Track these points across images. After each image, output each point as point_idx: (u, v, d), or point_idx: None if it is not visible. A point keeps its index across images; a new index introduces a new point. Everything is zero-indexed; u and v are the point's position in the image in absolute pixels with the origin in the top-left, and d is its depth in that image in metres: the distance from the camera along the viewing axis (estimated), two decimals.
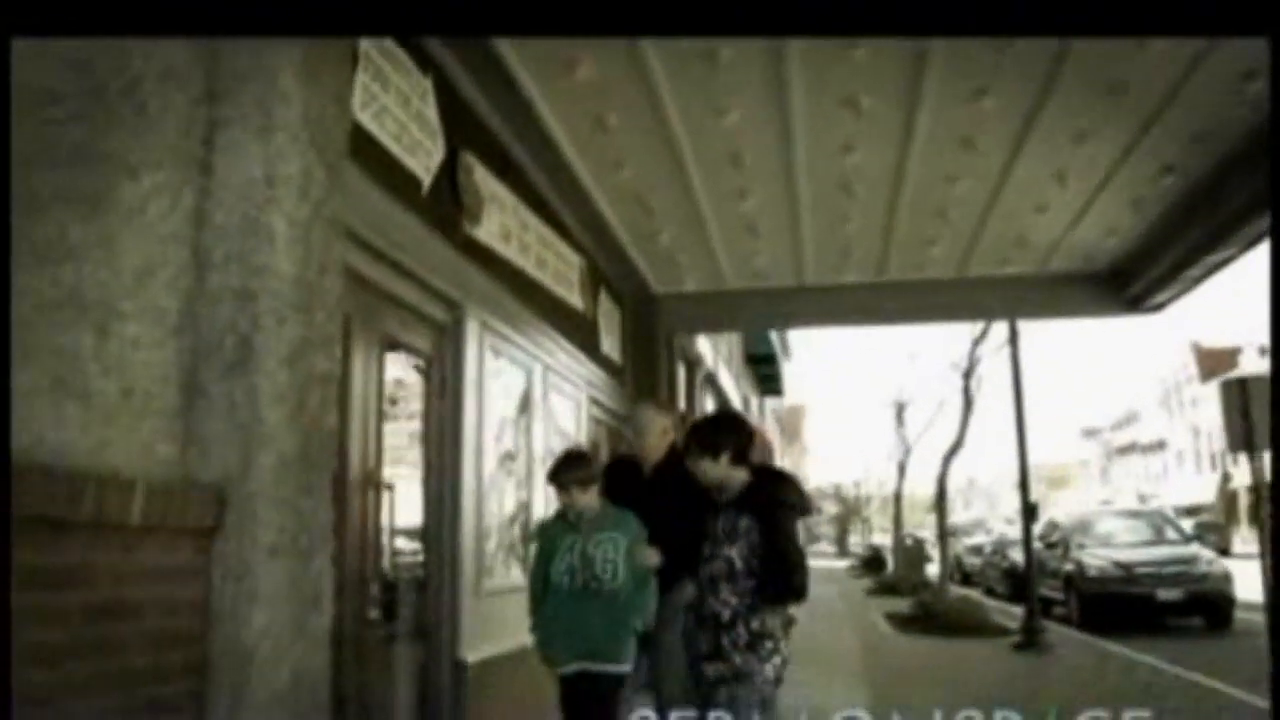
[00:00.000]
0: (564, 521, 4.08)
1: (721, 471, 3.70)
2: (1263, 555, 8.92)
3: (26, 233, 2.18)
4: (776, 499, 3.68)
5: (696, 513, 3.85)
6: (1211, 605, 12.86)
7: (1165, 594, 12.97)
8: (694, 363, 12.13)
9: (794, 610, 3.75)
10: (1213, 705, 7.58)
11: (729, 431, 3.81)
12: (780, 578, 3.56)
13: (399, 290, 4.33)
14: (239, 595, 2.65)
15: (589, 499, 4.05)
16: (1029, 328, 13.73)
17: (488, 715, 4.86)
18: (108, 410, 2.40)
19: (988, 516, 39.06)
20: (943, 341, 35.65)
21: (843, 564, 38.21)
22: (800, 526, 3.98)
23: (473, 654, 4.82)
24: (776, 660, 3.57)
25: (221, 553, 2.66)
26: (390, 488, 4.16)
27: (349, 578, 3.71)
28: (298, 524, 2.79)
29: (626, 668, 3.99)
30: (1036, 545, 13.38)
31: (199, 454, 2.68)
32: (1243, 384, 8.38)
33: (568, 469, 4.12)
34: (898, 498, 24.24)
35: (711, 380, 14.16)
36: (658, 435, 4.41)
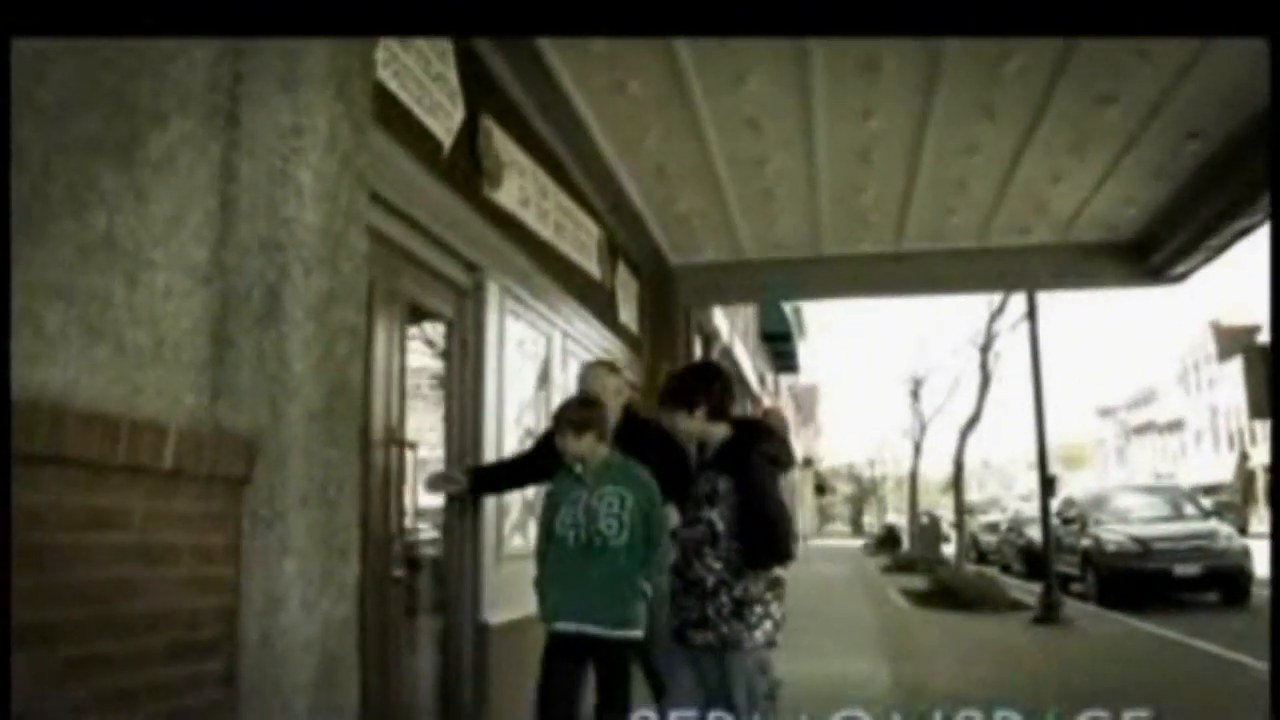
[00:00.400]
0: (572, 474, 3.87)
1: (698, 426, 3.53)
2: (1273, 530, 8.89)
3: (61, 176, 2.19)
4: (752, 453, 3.49)
5: (658, 473, 3.80)
6: (1229, 580, 12.84)
7: (1183, 569, 12.95)
8: (710, 337, 12.12)
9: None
10: (1236, 677, 7.57)
11: (703, 382, 3.63)
12: (761, 540, 3.40)
13: (421, 252, 4.34)
14: (270, 543, 2.68)
15: (583, 446, 3.81)
16: (1044, 304, 13.67)
17: (510, 677, 4.88)
18: (140, 358, 2.42)
19: (1003, 495, 39.03)
20: (959, 318, 35.57)
21: (857, 543, 38.30)
22: (785, 483, 3.86)
23: (494, 616, 4.84)
24: (767, 625, 3.43)
25: (252, 501, 2.69)
26: (413, 446, 4.17)
27: (373, 535, 3.73)
28: (325, 475, 2.81)
29: (631, 633, 3.72)
30: (1054, 522, 13.36)
31: (229, 405, 2.70)
32: (1265, 351, 8.33)
33: (566, 409, 3.95)
34: (913, 476, 24.23)
35: (728, 355, 14.15)
36: (611, 396, 4.31)
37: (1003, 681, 7.44)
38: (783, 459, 3.67)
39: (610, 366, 4.80)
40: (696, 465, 3.60)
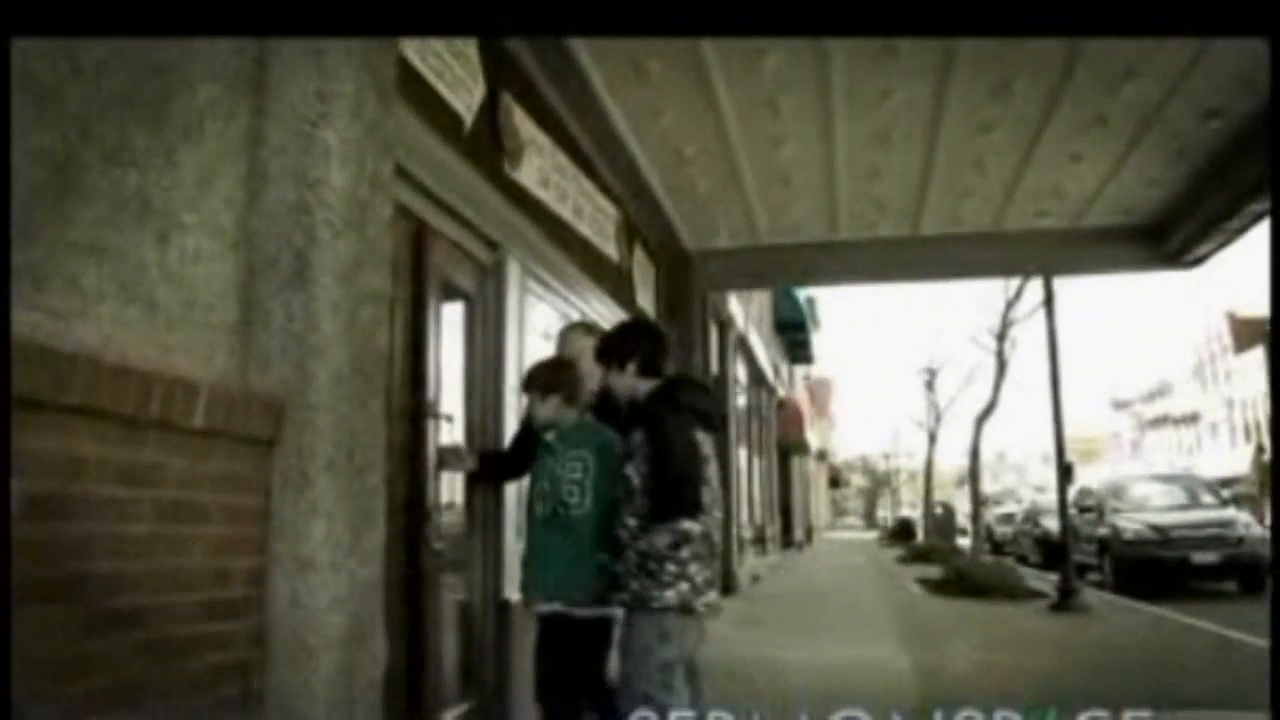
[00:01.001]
0: (545, 442, 3.72)
1: (629, 382, 3.48)
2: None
3: (96, 135, 2.21)
4: (665, 402, 3.38)
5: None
6: (1247, 569, 12.79)
7: (1201, 557, 12.91)
8: (726, 324, 12.12)
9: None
10: (1256, 660, 7.55)
11: (635, 338, 3.62)
12: (665, 489, 3.25)
13: (443, 226, 4.36)
14: (299, 506, 2.70)
15: (549, 409, 3.69)
16: (1058, 295, 13.57)
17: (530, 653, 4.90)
18: (170, 319, 2.44)
19: (1018, 486, 38.92)
20: (974, 309, 35.51)
21: (871, 535, 38.27)
22: (705, 438, 3.43)
23: (516, 594, 4.86)
24: (683, 587, 3.22)
25: (281, 464, 2.71)
26: (449, 419, 4.17)
27: (397, 504, 3.74)
28: (352, 440, 2.83)
29: (599, 611, 3.43)
30: (1070, 511, 13.31)
31: (257, 367, 2.72)
32: None
33: (532, 371, 3.82)
34: (928, 465, 24.20)
35: (743, 343, 14.14)
36: (590, 358, 4.03)
37: (1021, 665, 7.44)
38: (710, 413, 3.49)
39: (588, 327, 4.55)
40: (624, 423, 3.51)
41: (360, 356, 2.87)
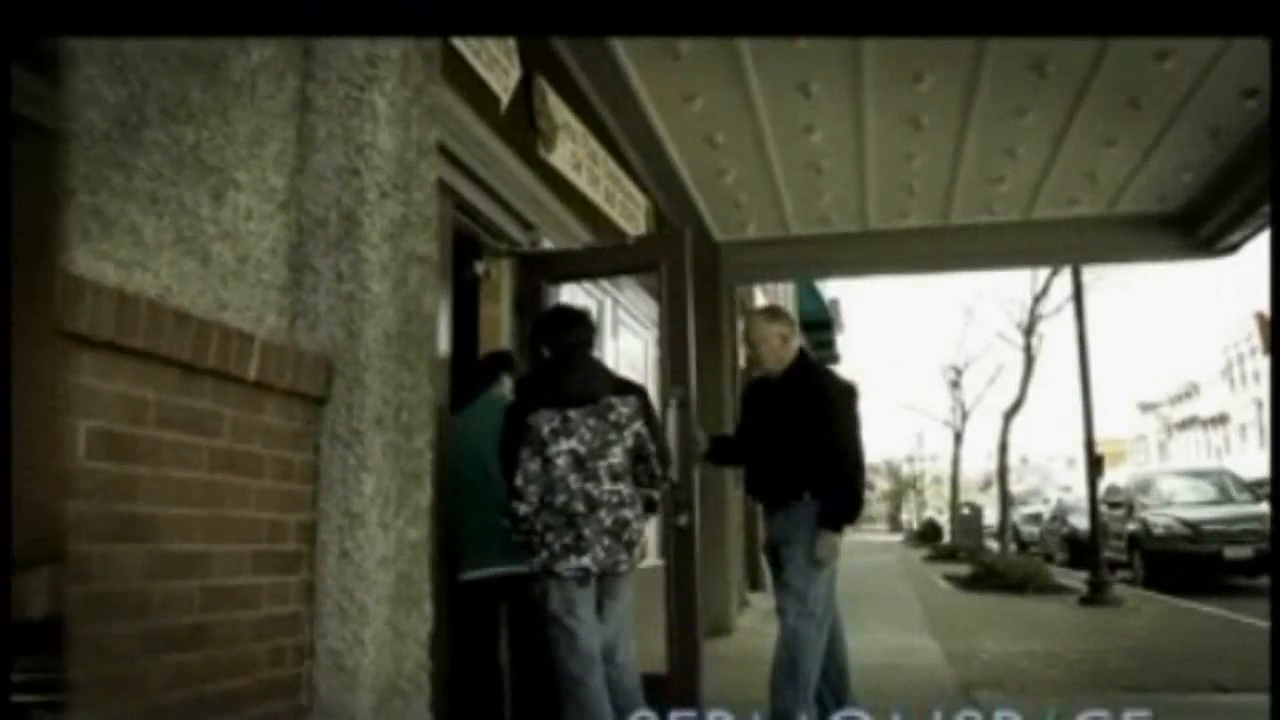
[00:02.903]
0: None
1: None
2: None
3: (156, 88, 2.25)
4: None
5: (816, 420, 3.95)
6: None
7: (1234, 552, 12.77)
8: None
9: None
10: None
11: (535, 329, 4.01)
12: None
13: (481, 205, 4.39)
14: (349, 462, 2.73)
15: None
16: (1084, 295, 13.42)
17: None
18: (224, 274, 2.48)
19: (1043, 486, 38.62)
20: (999, 305, 35.36)
21: (895, 538, 38.16)
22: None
23: None
24: (543, 554, 3.60)
25: (331, 421, 2.74)
26: None
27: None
28: (400, 399, 2.86)
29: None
30: (1099, 507, 13.20)
31: (307, 326, 2.76)
32: None
33: None
34: (955, 463, 24.08)
35: None
36: (776, 343, 4.20)
37: (1053, 654, 7.39)
38: (545, 392, 3.72)
39: (772, 312, 4.65)
40: None
41: (408, 318, 2.90)
